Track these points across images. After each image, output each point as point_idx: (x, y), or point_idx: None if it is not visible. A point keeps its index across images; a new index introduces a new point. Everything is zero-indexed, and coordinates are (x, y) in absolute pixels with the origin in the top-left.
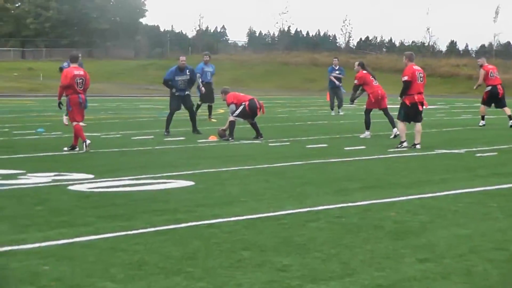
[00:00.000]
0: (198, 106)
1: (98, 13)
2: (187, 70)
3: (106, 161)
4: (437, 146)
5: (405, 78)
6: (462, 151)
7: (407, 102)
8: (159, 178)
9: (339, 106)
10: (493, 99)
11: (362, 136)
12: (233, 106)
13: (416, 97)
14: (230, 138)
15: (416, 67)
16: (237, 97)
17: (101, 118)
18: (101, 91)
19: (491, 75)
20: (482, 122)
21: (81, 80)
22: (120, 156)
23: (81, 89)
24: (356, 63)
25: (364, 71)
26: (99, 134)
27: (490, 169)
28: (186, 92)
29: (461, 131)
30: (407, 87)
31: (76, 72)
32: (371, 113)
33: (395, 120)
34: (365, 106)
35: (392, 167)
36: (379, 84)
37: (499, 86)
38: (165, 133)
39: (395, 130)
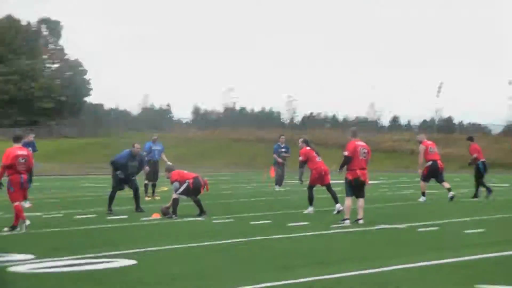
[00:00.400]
0: (146, 186)
1: (43, 92)
2: (138, 157)
3: (46, 241)
4: (379, 221)
5: (346, 153)
6: (404, 226)
7: (350, 177)
8: (101, 257)
9: (280, 183)
10: (433, 173)
11: (305, 212)
12: (176, 184)
13: (358, 172)
14: (174, 216)
15: (359, 143)
16: (181, 175)
17: (43, 197)
18: (44, 170)
19: (431, 150)
20: (422, 198)
21: (23, 160)
22: (61, 236)
23: (23, 169)
24: (300, 139)
25: (308, 147)
26: (40, 213)
27: (431, 244)
28: (132, 178)
29: (403, 206)
30: (346, 162)
31: (19, 152)
32: (314, 189)
33: (338, 195)
34: (308, 182)
35: (336, 243)
36: (322, 160)
37: (439, 161)
38: (108, 212)
39: (338, 205)
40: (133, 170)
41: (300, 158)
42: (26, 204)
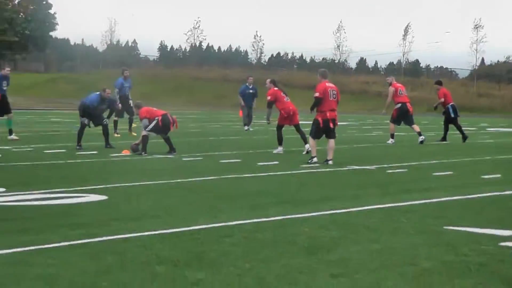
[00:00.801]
0: (115, 123)
1: (6, 25)
2: (107, 101)
3: (17, 174)
4: (348, 163)
5: (316, 94)
6: (373, 167)
7: (319, 119)
8: (71, 192)
9: (249, 123)
10: (403, 116)
11: (275, 151)
12: (146, 121)
13: (328, 114)
14: (143, 153)
15: (329, 84)
16: (150, 112)
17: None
18: (11, 104)
19: (400, 92)
20: (391, 140)
21: None
22: (31, 170)
23: None
24: (268, 80)
25: (276, 88)
26: (10, 147)
27: (400, 186)
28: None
29: (372, 147)
30: (317, 103)
31: None
32: (283, 129)
33: (307, 136)
34: (277, 122)
35: (305, 183)
36: (290, 100)
37: (408, 104)
38: (77, 147)
39: (307, 146)
40: (100, 113)
41: (268, 98)
42: (14, 137)
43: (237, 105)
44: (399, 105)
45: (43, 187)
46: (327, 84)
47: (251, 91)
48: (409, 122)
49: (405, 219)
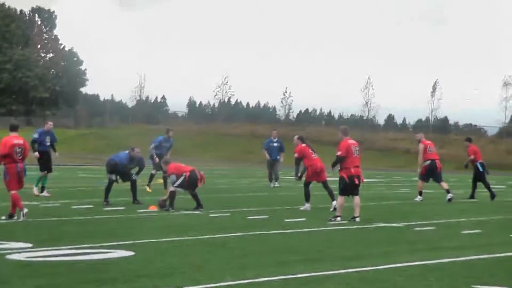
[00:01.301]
0: (152, 176)
1: (37, 81)
2: (136, 160)
3: (45, 230)
4: (376, 220)
5: (339, 153)
6: (401, 224)
7: (345, 176)
8: (99, 248)
9: (276, 178)
10: (432, 173)
11: (302, 208)
12: (173, 177)
13: (353, 170)
14: (171, 209)
15: (351, 141)
16: (178, 168)
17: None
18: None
19: (429, 150)
20: (419, 198)
21: (20, 149)
22: (59, 225)
23: (19, 158)
24: (296, 136)
25: (303, 144)
26: (38, 203)
27: (428, 243)
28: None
29: (400, 204)
30: (337, 162)
31: (16, 142)
32: (311, 185)
33: (335, 193)
34: (304, 179)
35: (332, 240)
36: (318, 157)
37: (437, 161)
38: (105, 203)
39: (334, 202)
40: (129, 171)
41: (296, 155)
42: (46, 194)
43: (264, 161)
44: (428, 162)
45: (70, 242)
46: (349, 141)
47: (275, 144)
48: (438, 179)
49: (433, 278)
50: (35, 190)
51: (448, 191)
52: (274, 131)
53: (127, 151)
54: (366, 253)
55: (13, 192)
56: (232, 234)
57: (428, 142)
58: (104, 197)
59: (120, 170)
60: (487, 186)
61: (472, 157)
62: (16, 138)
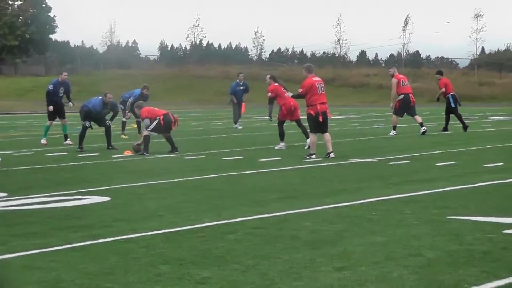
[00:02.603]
0: (124, 124)
1: (6, 29)
2: (109, 105)
3: (19, 178)
4: (351, 156)
5: (300, 90)
6: (376, 159)
7: (312, 113)
8: (74, 194)
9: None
10: (406, 107)
11: (277, 147)
12: (147, 121)
13: (318, 107)
14: (145, 153)
15: (316, 78)
16: (151, 112)
17: (12, 135)
18: (11, 108)
19: (403, 84)
20: (393, 132)
21: None
22: (33, 174)
23: None
24: (268, 76)
25: (276, 84)
26: (11, 151)
27: (403, 177)
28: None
29: (374, 140)
30: (297, 97)
31: None
32: (285, 124)
33: (308, 131)
34: (277, 117)
35: (307, 177)
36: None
37: (411, 95)
38: (79, 149)
39: (308, 140)
40: (103, 116)
41: (269, 94)
42: (69, 141)
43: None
44: (402, 96)
45: (45, 190)
46: (313, 78)
47: (241, 87)
48: (412, 113)
49: (408, 210)
50: (43, 140)
51: (421, 125)
52: (241, 75)
53: (100, 97)
54: (341, 188)
55: None
56: (208, 176)
57: (401, 76)
58: (78, 143)
59: (93, 117)
60: (459, 118)
61: (443, 89)
62: None
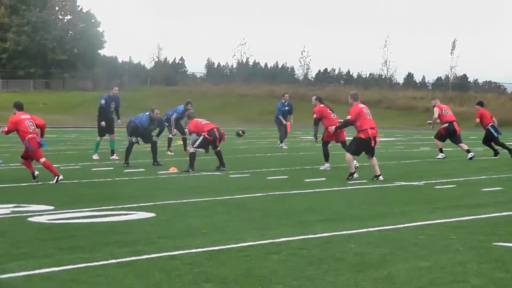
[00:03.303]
0: (170, 140)
1: (56, 44)
2: (156, 121)
3: (66, 192)
4: (396, 178)
5: (349, 117)
6: (421, 183)
7: (363, 137)
8: (119, 209)
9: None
10: (450, 136)
11: (322, 168)
12: (194, 136)
13: (369, 132)
14: (190, 170)
15: (362, 105)
16: (198, 126)
17: (60, 149)
18: (59, 122)
19: (445, 112)
20: (441, 155)
21: (30, 122)
22: (80, 188)
23: (34, 130)
24: (314, 97)
25: (322, 105)
26: (58, 165)
27: (449, 202)
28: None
29: (420, 163)
30: (346, 125)
31: (23, 117)
32: (330, 145)
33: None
34: (322, 138)
35: (352, 199)
36: (337, 117)
37: (455, 123)
38: (125, 165)
39: (354, 162)
40: (150, 132)
41: (315, 116)
42: (115, 157)
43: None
44: (447, 124)
45: (91, 205)
46: (359, 105)
47: (286, 108)
48: (457, 141)
49: (454, 236)
50: (95, 156)
51: (468, 151)
52: (286, 95)
53: (147, 113)
54: (386, 212)
55: (42, 160)
56: (252, 195)
57: (444, 106)
58: (124, 159)
59: (140, 132)
60: (502, 145)
61: (477, 120)
62: (22, 114)
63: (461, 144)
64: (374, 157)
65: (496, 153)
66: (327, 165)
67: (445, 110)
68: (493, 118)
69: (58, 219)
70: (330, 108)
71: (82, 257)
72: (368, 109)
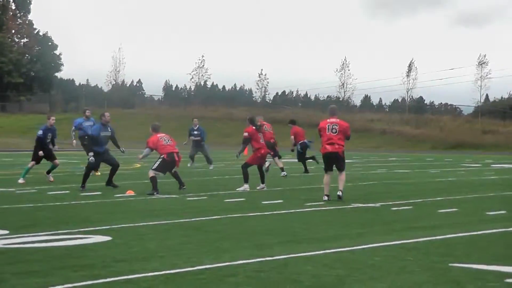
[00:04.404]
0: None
1: (12, 66)
2: (109, 127)
3: (21, 216)
4: (353, 200)
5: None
6: (378, 205)
7: (322, 152)
8: (75, 233)
9: (210, 162)
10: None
11: (240, 189)
12: (147, 151)
13: (327, 147)
14: (155, 192)
15: (331, 120)
16: (156, 145)
17: (16, 173)
18: (16, 145)
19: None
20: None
21: None
22: (35, 212)
23: None
24: (252, 117)
25: (254, 127)
26: (13, 189)
27: (405, 223)
28: (105, 147)
29: (377, 185)
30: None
31: None
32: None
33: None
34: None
35: (310, 221)
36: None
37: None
38: (81, 188)
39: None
40: (105, 140)
41: (245, 134)
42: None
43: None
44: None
45: (47, 229)
46: (328, 120)
47: (195, 132)
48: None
49: (410, 257)
50: (21, 180)
51: (282, 169)
52: (195, 120)
53: (97, 124)
54: (343, 233)
55: None
56: (209, 218)
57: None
58: (82, 182)
59: (96, 142)
60: (304, 162)
61: (292, 137)
62: None
63: (276, 160)
64: (341, 172)
65: (305, 171)
66: (246, 186)
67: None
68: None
69: (13, 243)
70: (260, 131)
71: (37, 282)
72: (337, 125)
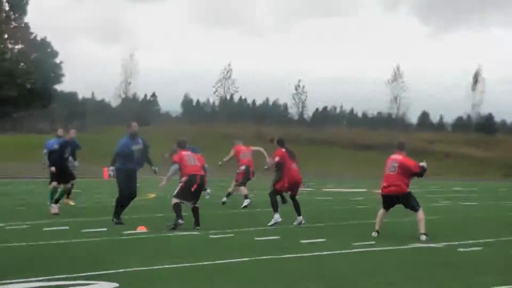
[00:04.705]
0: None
1: (5, 78)
2: (139, 138)
3: (12, 258)
4: (411, 239)
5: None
6: (441, 245)
7: (381, 193)
8: (75, 278)
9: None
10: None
11: (270, 223)
12: (175, 167)
13: (385, 189)
14: (180, 221)
15: (394, 156)
16: (184, 163)
17: (7, 205)
18: (13, 172)
19: (242, 155)
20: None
21: None
22: (28, 252)
23: None
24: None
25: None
26: (3, 224)
27: (474, 267)
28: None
29: (439, 220)
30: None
31: None
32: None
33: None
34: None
35: (357, 265)
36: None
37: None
38: (115, 221)
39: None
40: (139, 155)
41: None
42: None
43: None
44: (244, 167)
45: (43, 273)
46: (392, 156)
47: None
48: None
49: None
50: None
51: (246, 196)
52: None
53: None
54: (396, 279)
55: None
56: (237, 260)
57: (244, 147)
58: (114, 213)
59: (129, 158)
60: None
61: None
62: None
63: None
64: (418, 212)
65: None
66: (276, 216)
67: (242, 153)
68: None
69: None
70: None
71: None
72: (396, 162)
